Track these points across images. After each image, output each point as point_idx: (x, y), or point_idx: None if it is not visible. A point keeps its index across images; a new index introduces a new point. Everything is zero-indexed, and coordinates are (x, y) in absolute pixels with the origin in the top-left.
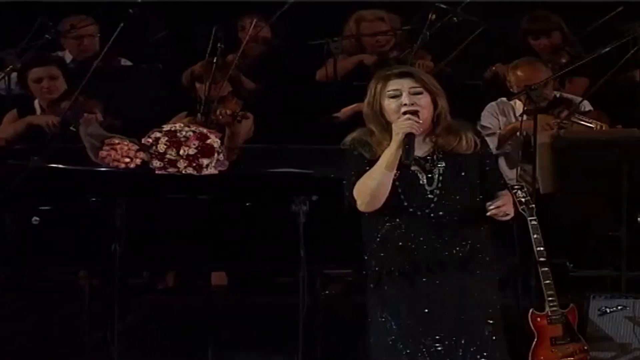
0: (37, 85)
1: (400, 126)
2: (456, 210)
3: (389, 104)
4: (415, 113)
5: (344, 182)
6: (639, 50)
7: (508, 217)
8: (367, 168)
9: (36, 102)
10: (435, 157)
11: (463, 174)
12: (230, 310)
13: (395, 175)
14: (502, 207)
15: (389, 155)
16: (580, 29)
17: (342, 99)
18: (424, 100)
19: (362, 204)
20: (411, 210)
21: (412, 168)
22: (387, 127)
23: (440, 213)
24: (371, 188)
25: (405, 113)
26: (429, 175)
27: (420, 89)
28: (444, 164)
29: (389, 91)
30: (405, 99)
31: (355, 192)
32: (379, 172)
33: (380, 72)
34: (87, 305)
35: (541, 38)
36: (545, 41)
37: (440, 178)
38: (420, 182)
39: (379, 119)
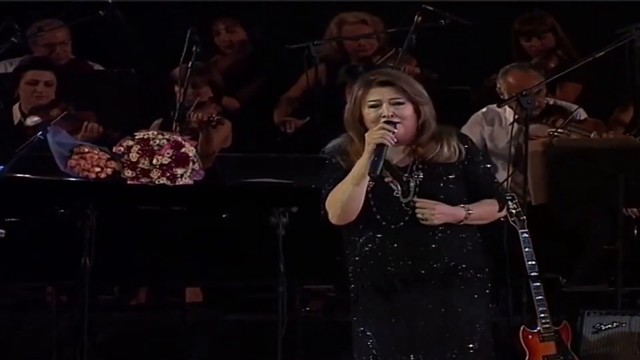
0: (30, 88)
1: (372, 136)
2: (434, 224)
3: (369, 113)
4: (393, 124)
5: (322, 192)
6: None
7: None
8: (343, 177)
9: (15, 107)
10: (414, 167)
11: (442, 185)
12: (206, 328)
13: (368, 186)
14: (424, 210)
15: (359, 167)
16: (577, 32)
17: (324, 105)
18: (406, 111)
19: (333, 217)
20: (384, 223)
21: (386, 179)
22: (364, 135)
23: (416, 227)
24: (341, 201)
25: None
26: (405, 187)
27: (402, 100)
28: (421, 175)
29: (369, 101)
30: (385, 110)
31: (327, 204)
32: (348, 185)
33: (365, 76)
34: (55, 323)
35: (533, 40)
36: (537, 43)
37: (417, 189)
38: (395, 193)
39: (358, 126)
